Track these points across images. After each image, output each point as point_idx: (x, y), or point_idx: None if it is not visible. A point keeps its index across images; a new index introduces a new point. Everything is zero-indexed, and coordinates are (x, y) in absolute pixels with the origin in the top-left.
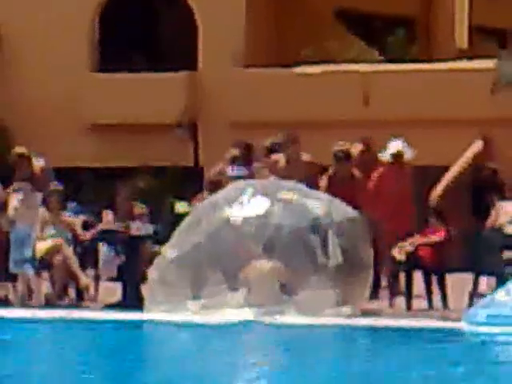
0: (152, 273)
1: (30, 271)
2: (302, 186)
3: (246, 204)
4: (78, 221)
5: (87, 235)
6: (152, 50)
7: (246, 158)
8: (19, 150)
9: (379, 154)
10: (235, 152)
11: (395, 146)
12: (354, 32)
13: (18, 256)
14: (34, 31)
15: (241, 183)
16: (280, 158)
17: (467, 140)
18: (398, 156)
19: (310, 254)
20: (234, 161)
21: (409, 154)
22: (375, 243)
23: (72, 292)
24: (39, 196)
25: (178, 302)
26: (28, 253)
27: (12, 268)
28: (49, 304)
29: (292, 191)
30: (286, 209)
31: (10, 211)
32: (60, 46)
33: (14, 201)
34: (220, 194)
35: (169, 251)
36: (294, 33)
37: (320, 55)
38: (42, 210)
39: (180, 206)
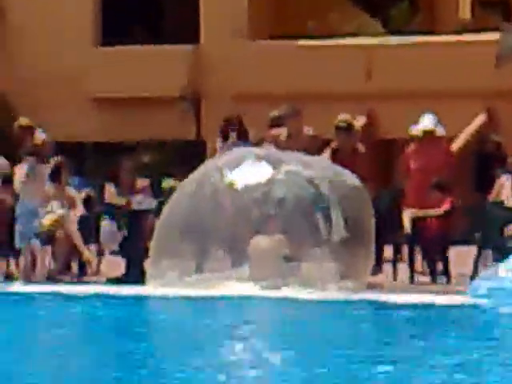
0: (153, 243)
1: (37, 245)
2: (306, 157)
3: (248, 170)
4: (80, 195)
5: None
6: (154, 23)
7: (239, 132)
8: (22, 121)
9: (410, 129)
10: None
11: (426, 122)
12: (357, 4)
13: (26, 229)
14: (36, 5)
15: (244, 150)
16: (282, 131)
17: (471, 113)
18: (428, 133)
19: (313, 227)
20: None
21: (441, 130)
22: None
23: (75, 266)
24: (47, 169)
25: (181, 275)
26: (36, 226)
27: (18, 242)
28: (51, 279)
29: (295, 161)
30: (289, 181)
31: (17, 184)
32: (63, 20)
33: (21, 174)
34: (222, 159)
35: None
36: (297, 5)
37: (323, 28)
38: (47, 185)
39: (165, 183)
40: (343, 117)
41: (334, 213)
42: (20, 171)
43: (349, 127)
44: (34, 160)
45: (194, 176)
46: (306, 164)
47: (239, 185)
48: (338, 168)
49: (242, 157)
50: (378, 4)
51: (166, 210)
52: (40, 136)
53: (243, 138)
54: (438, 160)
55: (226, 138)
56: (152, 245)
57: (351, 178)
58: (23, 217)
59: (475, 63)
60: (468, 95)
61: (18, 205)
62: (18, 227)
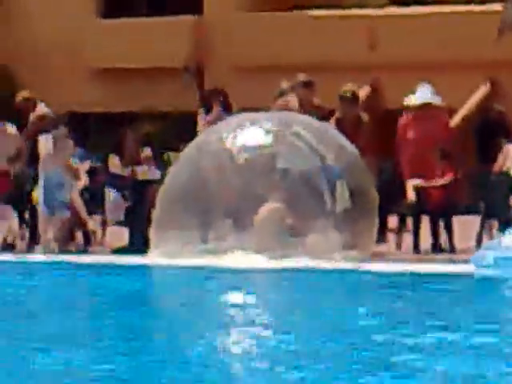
0: (156, 212)
1: (66, 214)
2: (316, 122)
3: (250, 135)
4: (84, 166)
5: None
6: None
7: (224, 104)
8: (24, 93)
9: (405, 99)
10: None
11: (422, 93)
12: None
13: (54, 200)
14: None
15: (252, 114)
16: (292, 100)
17: (475, 82)
18: (425, 104)
19: (318, 197)
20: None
21: (437, 100)
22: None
23: (79, 237)
24: (70, 141)
25: (184, 245)
26: (65, 196)
27: (46, 213)
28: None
29: (305, 126)
30: (293, 151)
31: (42, 155)
32: None
33: (46, 145)
34: (225, 124)
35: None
36: None
37: None
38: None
39: (166, 155)
40: (348, 86)
41: (339, 183)
42: (45, 143)
43: (353, 97)
44: (58, 131)
45: (195, 143)
46: (315, 132)
47: (242, 151)
48: (342, 137)
49: (245, 122)
50: None
51: (167, 178)
52: (42, 109)
53: (227, 111)
54: (436, 130)
55: (208, 110)
56: (154, 214)
57: (354, 149)
58: (50, 187)
59: (479, 34)
60: (471, 65)
61: (41, 176)
62: (44, 198)
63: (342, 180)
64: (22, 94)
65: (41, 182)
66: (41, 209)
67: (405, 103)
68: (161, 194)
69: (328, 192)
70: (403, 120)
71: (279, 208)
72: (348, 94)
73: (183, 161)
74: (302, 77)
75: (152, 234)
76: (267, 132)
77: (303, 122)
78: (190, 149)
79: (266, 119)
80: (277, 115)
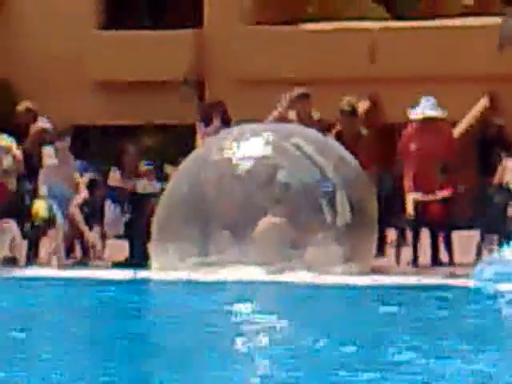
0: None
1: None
2: (316, 134)
3: (248, 145)
4: (84, 179)
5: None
6: (157, 7)
7: (223, 118)
8: (27, 104)
9: (408, 112)
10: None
11: (426, 107)
12: None
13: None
14: None
15: (253, 125)
16: (291, 113)
17: (474, 97)
18: (428, 118)
19: (318, 211)
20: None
21: (440, 113)
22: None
23: (78, 250)
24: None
25: (184, 258)
26: (65, 209)
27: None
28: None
29: (305, 138)
30: (293, 163)
31: (45, 166)
32: (65, 3)
33: (49, 157)
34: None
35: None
36: None
37: (325, 12)
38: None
39: (168, 168)
40: (348, 100)
41: (339, 197)
42: (48, 155)
43: (353, 110)
44: (63, 144)
45: (195, 154)
46: (316, 143)
47: (243, 163)
48: (343, 150)
49: (245, 132)
50: None
51: (167, 190)
52: (43, 122)
53: (226, 124)
54: (439, 144)
55: (207, 123)
56: (153, 227)
57: (354, 161)
58: (56, 200)
59: (478, 47)
60: (471, 79)
61: (43, 188)
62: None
63: (342, 193)
64: (24, 105)
65: (44, 193)
66: (59, 221)
67: (408, 116)
68: (160, 206)
69: (327, 205)
70: (406, 132)
71: (278, 222)
72: (347, 108)
73: (183, 172)
74: (297, 90)
75: (152, 247)
76: (267, 143)
77: (303, 134)
78: (189, 160)
79: (266, 130)
80: (277, 126)
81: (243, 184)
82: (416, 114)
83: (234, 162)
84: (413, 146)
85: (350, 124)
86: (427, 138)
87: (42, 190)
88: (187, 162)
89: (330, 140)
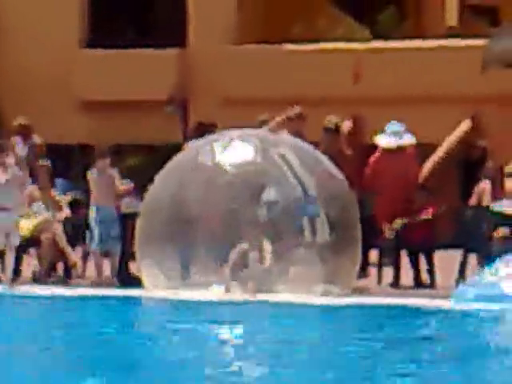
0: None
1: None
2: (305, 145)
3: (232, 151)
4: (66, 198)
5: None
6: (142, 26)
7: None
8: (21, 120)
9: (375, 137)
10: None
11: (390, 136)
12: (344, 9)
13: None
14: (24, 7)
15: (239, 132)
16: (283, 132)
17: (457, 117)
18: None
19: (299, 230)
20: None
21: (408, 139)
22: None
23: (60, 269)
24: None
25: (166, 277)
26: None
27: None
28: (37, 281)
29: (293, 149)
30: (277, 184)
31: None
32: (50, 22)
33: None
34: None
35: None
36: (285, 9)
37: (310, 32)
38: (31, 187)
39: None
40: (331, 118)
41: (319, 214)
42: (92, 177)
43: (336, 129)
44: (104, 162)
45: (174, 163)
46: (299, 153)
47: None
48: (330, 164)
49: (232, 139)
50: (365, 9)
51: (147, 199)
52: (37, 139)
53: None
54: (405, 167)
55: None
56: (137, 245)
57: (339, 179)
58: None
59: (462, 68)
60: (454, 100)
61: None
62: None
63: (321, 211)
64: (18, 120)
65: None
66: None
67: (377, 142)
68: (141, 219)
69: (308, 223)
70: (373, 158)
71: (259, 244)
72: (331, 126)
73: (163, 182)
74: (292, 109)
75: (138, 266)
76: (253, 149)
77: (291, 144)
78: (170, 167)
79: (253, 137)
80: (265, 134)
81: (226, 200)
82: (388, 141)
83: (219, 167)
84: (382, 176)
85: (333, 142)
86: (394, 165)
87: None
88: (169, 169)
89: (319, 153)
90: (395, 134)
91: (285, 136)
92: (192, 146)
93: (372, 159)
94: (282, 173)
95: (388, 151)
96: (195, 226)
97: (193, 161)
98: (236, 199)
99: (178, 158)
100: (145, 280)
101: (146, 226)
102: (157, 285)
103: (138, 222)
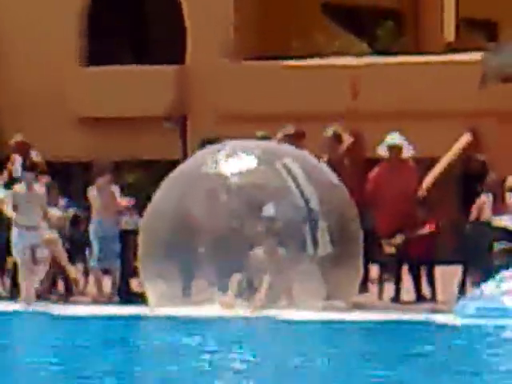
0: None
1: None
2: (307, 156)
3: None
4: (67, 215)
5: None
6: (140, 43)
7: None
8: (19, 137)
9: (377, 149)
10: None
11: (392, 138)
12: (342, 25)
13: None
14: (22, 24)
15: (240, 143)
16: None
17: (456, 132)
18: (394, 148)
19: (301, 245)
20: None
21: (407, 149)
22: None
23: (61, 286)
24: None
25: (168, 293)
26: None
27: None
28: (38, 298)
29: (296, 160)
30: (279, 199)
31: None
32: (48, 40)
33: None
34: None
35: None
36: (282, 25)
37: (308, 48)
38: None
39: None
40: (333, 128)
41: (321, 228)
42: (93, 194)
43: (337, 138)
44: (104, 179)
45: (178, 172)
46: (303, 165)
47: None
48: (333, 176)
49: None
50: (363, 24)
51: (148, 211)
52: (35, 156)
53: None
54: (404, 185)
55: None
56: (139, 262)
57: (343, 189)
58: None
59: (460, 83)
60: (453, 115)
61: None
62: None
63: (323, 224)
64: (16, 138)
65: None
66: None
67: (377, 152)
68: (143, 234)
69: (310, 237)
70: (374, 172)
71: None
72: (332, 135)
73: (166, 192)
74: (289, 127)
75: (141, 283)
76: (257, 160)
77: (295, 155)
78: (172, 179)
79: (258, 148)
80: (269, 145)
81: (227, 215)
82: (383, 146)
83: (223, 176)
84: (382, 187)
85: (334, 152)
86: (394, 176)
87: None
88: (172, 178)
89: (322, 165)
90: (391, 141)
91: (289, 147)
92: (196, 155)
93: (372, 173)
94: (285, 184)
95: (389, 164)
96: (197, 239)
97: (196, 170)
98: (238, 213)
99: (181, 168)
100: (149, 295)
101: (149, 238)
102: (168, 301)
103: (141, 233)
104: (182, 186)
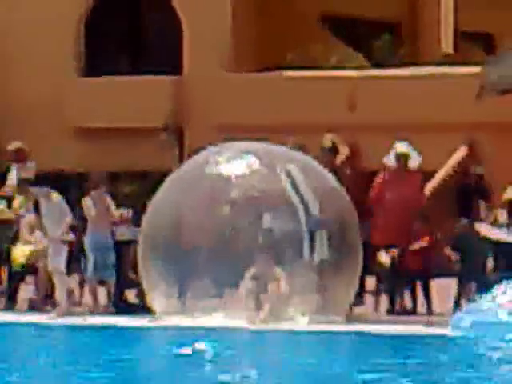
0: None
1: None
2: (311, 161)
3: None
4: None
5: None
6: (137, 54)
7: None
8: (17, 144)
9: (383, 158)
10: None
11: (400, 147)
12: (340, 37)
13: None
14: (19, 35)
15: (247, 144)
16: None
17: (453, 145)
18: (401, 157)
19: (299, 254)
20: None
21: (415, 159)
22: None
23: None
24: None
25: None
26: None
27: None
28: (33, 308)
29: (299, 165)
30: (278, 204)
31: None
32: (46, 50)
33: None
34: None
35: None
36: (280, 37)
37: (305, 59)
38: (29, 215)
39: None
40: (329, 137)
41: (319, 235)
42: (87, 204)
43: (333, 147)
44: (99, 191)
45: (180, 173)
46: (305, 170)
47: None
48: (335, 183)
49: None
50: (361, 36)
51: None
52: (31, 164)
53: None
54: (409, 195)
55: None
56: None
57: (346, 196)
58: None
59: (457, 96)
60: (450, 128)
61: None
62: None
63: (322, 232)
64: (14, 145)
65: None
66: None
67: (383, 161)
68: (142, 240)
69: (308, 245)
70: (379, 179)
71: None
72: (328, 144)
73: (166, 194)
74: (294, 141)
75: (147, 292)
76: (259, 164)
77: (298, 160)
78: (173, 180)
79: (261, 150)
80: (273, 148)
81: (226, 225)
82: (390, 155)
83: (224, 178)
84: (385, 195)
85: (330, 161)
86: (399, 186)
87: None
88: (173, 179)
89: (326, 172)
90: (398, 150)
91: (293, 152)
92: (198, 156)
93: (378, 179)
94: (285, 192)
95: (395, 173)
96: (196, 250)
97: (198, 171)
98: (238, 222)
99: (183, 168)
100: (157, 305)
101: (148, 244)
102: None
103: (141, 239)
104: (183, 187)
